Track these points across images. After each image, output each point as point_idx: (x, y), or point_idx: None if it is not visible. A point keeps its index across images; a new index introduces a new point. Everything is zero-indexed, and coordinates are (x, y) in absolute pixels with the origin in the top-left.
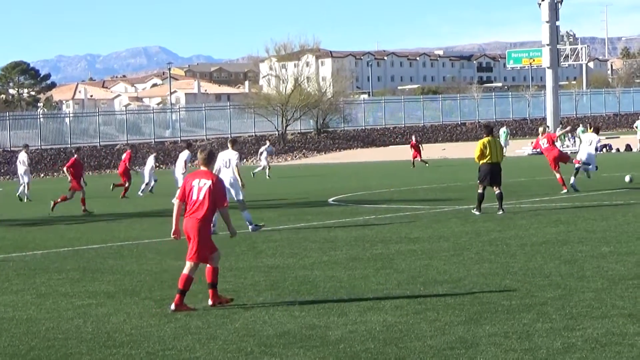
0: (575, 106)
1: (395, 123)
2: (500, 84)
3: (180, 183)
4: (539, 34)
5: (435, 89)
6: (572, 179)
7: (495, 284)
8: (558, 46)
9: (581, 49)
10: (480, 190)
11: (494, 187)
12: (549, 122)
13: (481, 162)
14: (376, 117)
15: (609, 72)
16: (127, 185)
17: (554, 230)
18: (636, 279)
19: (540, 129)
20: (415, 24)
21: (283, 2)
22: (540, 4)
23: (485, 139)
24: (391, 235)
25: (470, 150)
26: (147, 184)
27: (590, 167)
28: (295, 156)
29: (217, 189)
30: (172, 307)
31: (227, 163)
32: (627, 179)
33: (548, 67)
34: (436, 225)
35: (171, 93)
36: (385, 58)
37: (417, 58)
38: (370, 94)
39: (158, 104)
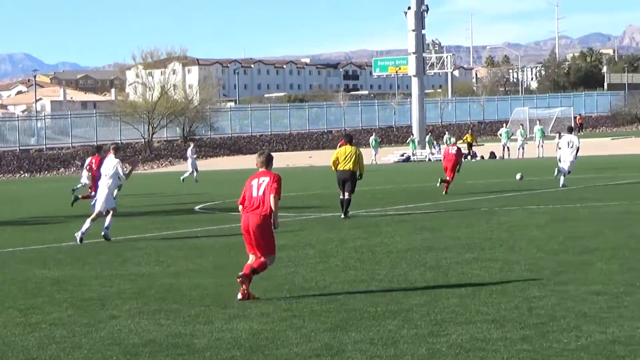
0: (440, 114)
1: (262, 131)
2: (366, 92)
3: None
4: (405, 43)
5: (301, 97)
6: (561, 180)
7: (361, 290)
8: (424, 54)
9: (446, 57)
10: (341, 197)
11: (345, 193)
12: (415, 130)
13: (336, 169)
14: (243, 125)
15: (474, 80)
16: None
17: (419, 237)
18: (499, 285)
19: (454, 139)
20: (282, 32)
21: (150, 9)
22: (406, 13)
23: (342, 148)
24: None
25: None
26: (191, 173)
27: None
28: (162, 164)
29: (274, 185)
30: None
31: (108, 172)
32: (517, 176)
33: (414, 75)
34: (302, 233)
35: (36, 100)
36: (252, 66)
37: (284, 66)
38: (237, 101)
39: (23, 112)
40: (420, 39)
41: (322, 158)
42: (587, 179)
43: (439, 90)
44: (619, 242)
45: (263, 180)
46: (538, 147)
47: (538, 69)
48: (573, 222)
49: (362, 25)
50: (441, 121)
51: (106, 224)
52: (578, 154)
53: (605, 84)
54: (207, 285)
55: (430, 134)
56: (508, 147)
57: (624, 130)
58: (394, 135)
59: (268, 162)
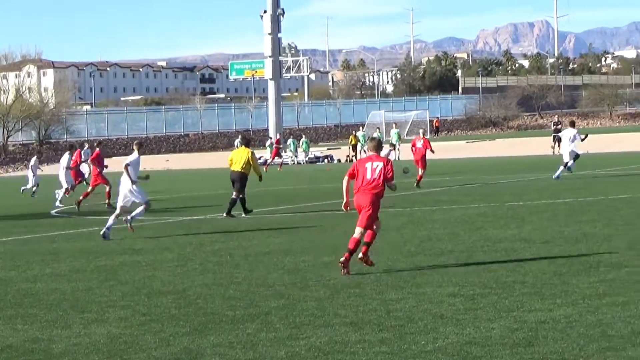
0: (297, 117)
1: (119, 134)
2: (223, 96)
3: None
4: (261, 46)
5: (158, 100)
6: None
7: (220, 294)
8: (280, 58)
9: (303, 61)
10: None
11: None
12: (271, 133)
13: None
14: (99, 128)
15: (331, 83)
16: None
17: (277, 241)
18: (357, 288)
19: (421, 131)
20: (138, 35)
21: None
22: (262, 16)
23: (238, 149)
24: (115, 247)
25: (194, 161)
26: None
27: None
28: (17, 168)
29: (387, 169)
30: (342, 264)
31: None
32: (403, 170)
33: (270, 79)
34: (160, 237)
35: None
36: (108, 69)
37: (140, 69)
38: (93, 105)
39: None
40: (276, 43)
41: (179, 161)
42: (443, 182)
43: (296, 93)
44: (474, 244)
45: (377, 165)
46: (395, 150)
47: (394, 72)
48: (429, 224)
49: (219, 28)
50: (298, 124)
51: (108, 223)
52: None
53: (460, 88)
54: (64, 290)
55: (292, 137)
56: (365, 150)
57: (479, 134)
58: (250, 138)
59: (378, 146)
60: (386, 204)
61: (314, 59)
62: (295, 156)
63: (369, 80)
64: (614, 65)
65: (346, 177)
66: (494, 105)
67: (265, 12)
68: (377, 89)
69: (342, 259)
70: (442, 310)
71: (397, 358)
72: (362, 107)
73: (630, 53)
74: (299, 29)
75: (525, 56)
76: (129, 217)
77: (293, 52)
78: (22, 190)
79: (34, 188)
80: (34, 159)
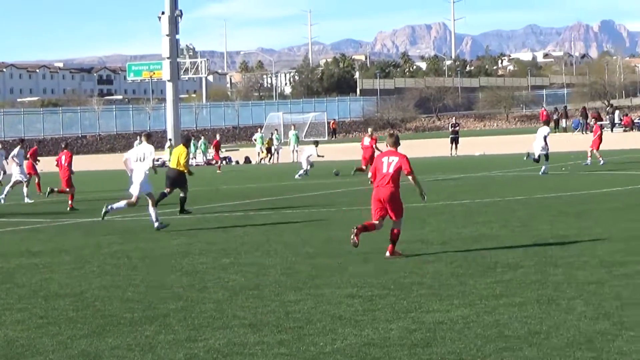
0: (195, 119)
1: (15, 135)
2: (121, 97)
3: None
4: (159, 47)
5: (55, 101)
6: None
7: (117, 296)
8: (178, 59)
9: (201, 62)
10: (165, 191)
11: (171, 190)
12: (170, 134)
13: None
14: None
15: (229, 85)
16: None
17: (175, 242)
18: (256, 290)
19: (370, 129)
20: (34, 36)
21: None
22: (160, 18)
23: (176, 147)
24: (11, 249)
25: (92, 162)
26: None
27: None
28: None
29: (404, 164)
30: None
31: (142, 157)
32: (334, 172)
33: (168, 80)
34: (58, 239)
35: None
36: (4, 70)
37: (37, 70)
38: None
39: None
40: (174, 44)
41: (76, 163)
42: (342, 184)
43: (194, 95)
44: (372, 246)
45: (392, 160)
46: (293, 151)
47: (292, 74)
48: (327, 225)
49: (116, 30)
50: (196, 126)
51: (153, 217)
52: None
53: (358, 90)
54: None
55: (203, 138)
56: (263, 151)
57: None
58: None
59: (396, 142)
60: (284, 207)
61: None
62: (194, 158)
63: (267, 82)
64: (510, 67)
65: (372, 173)
66: (392, 107)
67: (163, 13)
68: (275, 91)
69: (355, 229)
70: (340, 311)
71: (295, 359)
72: (260, 109)
73: (526, 55)
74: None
75: (422, 58)
76: (111, 206)
77: (191, 53)
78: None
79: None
80: (17, 149)
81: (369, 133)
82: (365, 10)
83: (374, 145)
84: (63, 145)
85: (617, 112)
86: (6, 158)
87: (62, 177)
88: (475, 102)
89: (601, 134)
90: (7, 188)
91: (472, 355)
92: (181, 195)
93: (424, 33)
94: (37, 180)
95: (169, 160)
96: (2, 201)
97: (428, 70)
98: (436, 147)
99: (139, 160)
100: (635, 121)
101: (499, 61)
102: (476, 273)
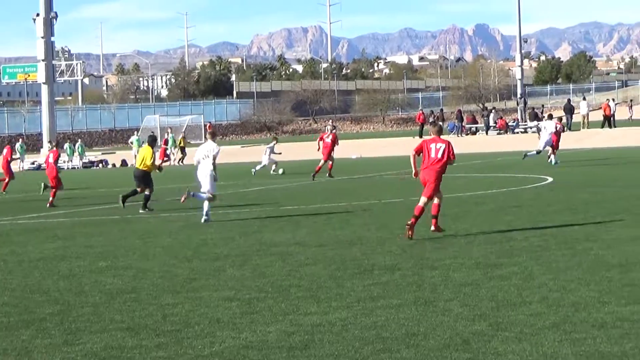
0: (71, 122)
1: None
2: None
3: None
4: (34, 50)
5: None
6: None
7: None
8: (54, 62)
9: (77, 64)
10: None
11: (138, 189)
12: (45, 137)
13: None
14: None
15: (105, 88)
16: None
17: (52, 246)
18: (133, 293)
19: (329, 127)
20: None
21: None
22: (35, 20)
23: (141, 148)
24: None
25: None
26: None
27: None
28: None
29: (450, 150)
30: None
31: (207, 154)
32: (279, 171)
33: (44, 83)
34: None
35: None
36: None
37: None
38: None
39: None
40: (49, 46)
41: None
42: (220, 187)
43: (70, 97)
44: (249, 249)
45: (440, 146)
46: (170, 155)
47: (168, 77)
48: (205, 228)
49: None
50: (72, 129)
51: (206, 209)
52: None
53: (235, 93)
54: None
55: (69, 141)
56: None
57: (254, 138)
58: (24, 142)
59: (440, 130)
60: (162, 210)
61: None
62: (71, 160)
63: (144, 85)
64: (387, 70)
65: (413, 152)
66: (269, 110)
67: (37, 15)
68: (152, 94)
69: (409, 222)
70: (218, 314)
71: None
72: (136, 112)
73: (401, 59)
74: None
75: (299, 61)
76: (193, 193)
77: (66, 56)
78: None
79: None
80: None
81: (328, 131)
82: (241, 13)
83: (333, 142)
84: (54, 144)
85: (492, 114)
86: None
87: (48, 175)
88: (351, 105)
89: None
90: None
91: (350, 357)
92: (146, 193)
93: (301, 36)
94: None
95: (137, 160)
96: None
97: (304, 73)
98: (313, 150)
99: (205, 158)
100: (509, 124)
101: (375, 64)
102: (354, 275)
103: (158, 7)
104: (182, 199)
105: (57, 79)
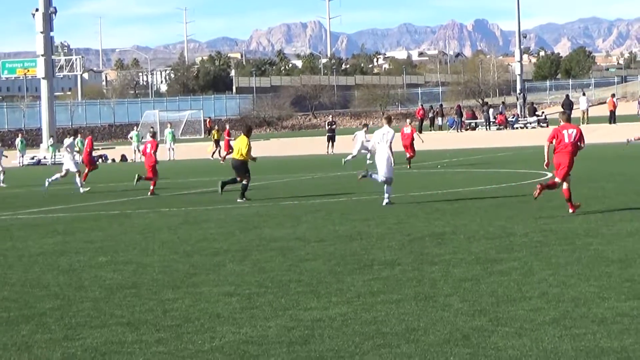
0: (71, 117)
1: None
2: None
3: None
4: (33, 45)
5: None
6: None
7: None
8: (53, 57)
9: (76, 60)
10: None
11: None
12: (44, 132)
13: None
14: None
15: (104, 83)
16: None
17: (51, 241)
18: (133, 288)
19: (408, 120)
20: None
21: None
22: (34, 15)
23: (237, 139)
24: None
25: None
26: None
27: None
28: None
29: (580, 135)
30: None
31: (383, 139)
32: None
33: (43, 78)
34: None
35: None
36: None
37: None
38: None
39: None
40: (48, 41)
41: None
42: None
43: (69, 92)
44: (249, 244)
45: (572, 132)
46: (169, 149)
47: (168, 72)
48: (205, 224)
49: None
50: (72, 124)
51: (387, 192)
52: None
53: (234, 88)
54: None
55: (80, 136)
56: (139, 150)
57: (253, 133)
58: (23, 137)
59: (569, 118)
60: (161, 205)
61: (87, 58)
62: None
63: (143, 80)
64: (386, 66)
65: (547, 142)
66: (268, 105)
67: (37, 10)
68: (151, 89)
69: (539, 185)
70: (218, 309)
71: (174, 358)
72: (136, 107)
73: (401, 54)
74: (71, 27)
75: (298, 56)
76: (370, 173)
77: (66, 51)
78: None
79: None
80: (71, 140)
81: (409, 123)
82: (240, 8)
83: (414, 134)
84: (151, 134)
85: (491, 110)
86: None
87: (146, 164)
88: (351, 100)
89: None
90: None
91: (350, 352)
92: (243, 182)
93: (300, 31)
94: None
95: (234, 151)
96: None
97: (304, 68)
98: (313, 145)
99: (380, 143)
100: (509, 119)
101: (375, 59)
102: (354, 270)
103: (157, 2)
104: (359, 177)
105: (57, 74)
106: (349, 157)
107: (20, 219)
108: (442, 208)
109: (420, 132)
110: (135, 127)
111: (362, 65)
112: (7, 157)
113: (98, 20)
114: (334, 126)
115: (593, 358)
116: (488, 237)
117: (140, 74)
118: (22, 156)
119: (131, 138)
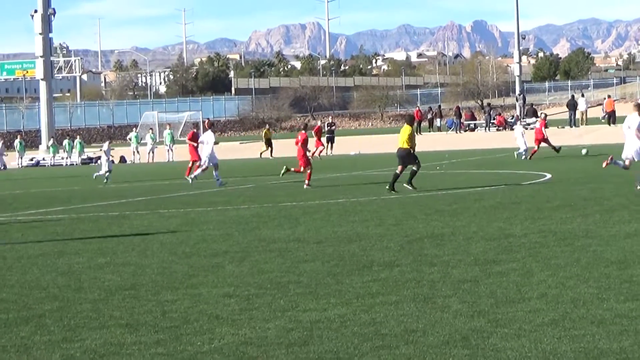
0: (70, 118)
1: None
2: None
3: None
4: (32, 46)
5: None
6: None
7: None
8: (52, 58)
9: (75, 61)
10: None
11: None
12: (43, 133)
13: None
14: None
15: (103, 84)
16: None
17: (50, 243)
18: (132, 289)
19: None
20: None
21: None
22: (33, 16)
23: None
24: None
25: None
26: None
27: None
28: None
29: None
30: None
31: (630, 126)
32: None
33: (42, 79)
34: None
35: None
36: None
37: None
38: None
39: None
40: (47, 43)
41: None
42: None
43: (68, 94)
44: (248, 245)
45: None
46: (168, 151)
47: (167, 73)
48: (204, 225)
49: None
50: (70, 125)
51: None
52: None
53: (233, 89)
54: None
55: (68, 137)
56: (138, 151)
57: (252, 135)
58: (22, 139)
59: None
60: (160, 207)
61: (86, 60)
62: (69, 157)
63: (142, 81)
64: (385, 67)
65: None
66: (267, 107)
67: (35, 11)
68: (150, 90)
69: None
70: (217, 311)
71: (172, 359)
72: (135, 108)
73: (400, 55)
74: (70, 29)
75: (297, 57)
76: (615, 161)
77: (65, 52)
78: (95, 176)
79: (107, 174)
80: (106, 143)
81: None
82: (239, 10)
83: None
84: (303, 126)
85: (492, 111)
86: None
87: (298, 155)
88: (350, 101)
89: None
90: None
91: (349, 354)
92: (413, 168)
93: (299, 32)
94: (198, 163)
95: (399, 141)
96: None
97: (303, 69)
98: (312, 147)
99: (629, 128)
100: (508, 120)
101: (373, 61)
102: (352, 272)
103: (156, 3)
104: (604, 164)
105: (56, 75)
106: (522, 150)
107: (19, 220)
108: (441, 209)
109: (419, 133)
110: (134, 129)
111: (361, 66)
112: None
113: (97, 21)
114: (333, 127)
115: (592, 359)
116: (487, 238)
117: (139, 75)
118: (21, 157)
119: (130, 139)
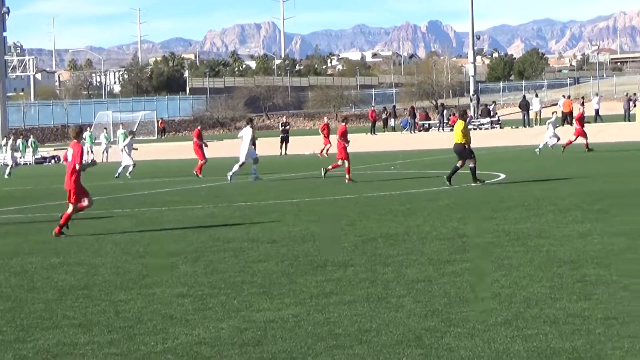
0: (23, 117)
1: None
2: None
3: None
4: None
5: None
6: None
7: None
8: (5, 57)
9: (29, 60)
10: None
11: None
12: None
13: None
14: None
15: (57, 83)
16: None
17: (4, 242)
18: (86, 289)
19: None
20: None
21: None
22: None
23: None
24: None
25: None
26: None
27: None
28: None
29: None
30: None
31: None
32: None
33: None
34: None
35: None
36: None
37: None
38: None
39: None
40: (1, 41)
41: None
42: (171, 183)
43: (22, 93)
44: (202, 245)
45: None
46: (121, 151)
47: (121, 72)
48: (158, 225)
49: None
50: (24, 125)
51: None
52: None
53: (188, 89)
54: None
55: (22, 137)
56: (92, 151)
57: (207, 134)
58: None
59: None
60: (114, 207)
61: (40, 59)
62: (23, 157)
63: (96, 81)
64: (340, 67)
65: None
66: (222, 106)
67: None
68: (105, 89)
69: None
70: (171, 310)
71: (126, 359)
72: (89, 108)
73: (355, 55)
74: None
75: (252, 57)
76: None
77: (18, 51)
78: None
79: (130, 168)
80: (128, 139)
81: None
82: (194, 9)
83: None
84: (342, 120)
85: (445, 111)
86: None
87: (338, 149)
88: (304, 101)
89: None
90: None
91: (303, 354)
92: (471, 165)
93: (254, 32)
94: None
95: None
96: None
97: (257, 69)
98: (266, 146)
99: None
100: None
101: (328, 60)
102: (306, 271)
103: (111, 2)
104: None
105: (9, 74)
106: (548, 144)
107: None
108: (394, 209)
109: (373, 133)
110: (88, 128)
111: (316, 66)
112: None
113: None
114: (287, 127)
115: (545, 359)
116: (440, 238)
117: (94, 74)
118: None
119: (84, 139)
